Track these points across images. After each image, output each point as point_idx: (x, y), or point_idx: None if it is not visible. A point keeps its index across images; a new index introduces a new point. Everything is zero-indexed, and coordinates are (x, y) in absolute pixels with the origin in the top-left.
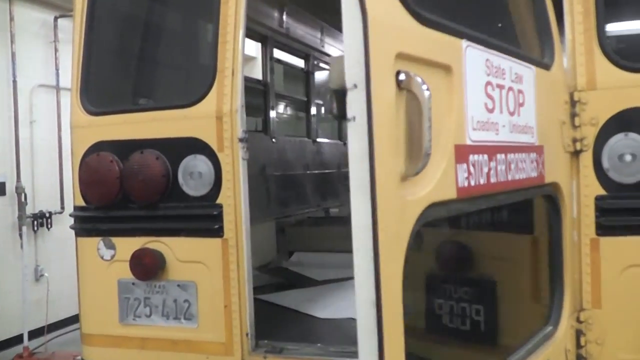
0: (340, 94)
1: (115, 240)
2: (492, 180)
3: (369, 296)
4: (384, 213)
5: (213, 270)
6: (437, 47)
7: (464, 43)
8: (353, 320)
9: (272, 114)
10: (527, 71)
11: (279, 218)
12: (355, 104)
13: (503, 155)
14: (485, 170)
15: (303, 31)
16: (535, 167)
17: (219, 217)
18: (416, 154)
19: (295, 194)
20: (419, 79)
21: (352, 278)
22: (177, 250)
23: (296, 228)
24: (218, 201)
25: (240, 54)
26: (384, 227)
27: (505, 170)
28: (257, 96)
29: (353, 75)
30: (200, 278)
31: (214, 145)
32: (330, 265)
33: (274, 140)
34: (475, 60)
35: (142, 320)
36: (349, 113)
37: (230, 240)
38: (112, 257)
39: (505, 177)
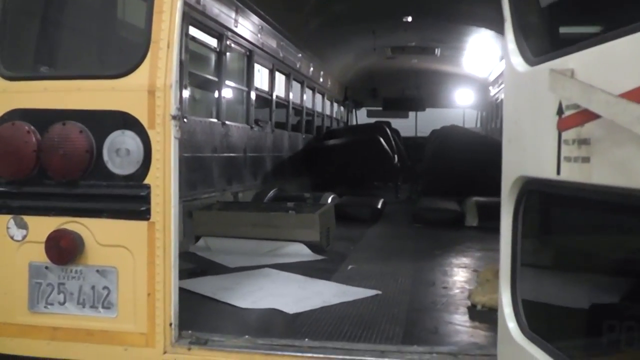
0: None
1: (28, 219)
2: None
3: None
4: None
5: (137, 255)
6: None
7: None
8: (275, 311)
9: (185, 93)
10: None
11: (187, 201)
12: None
13: None
14: None
15: (218, 10)
16: None
17: (146, 199)
18: None
19: (203, 176)
20: None
21: (264, 266)
22: (98, 232)
23: (204, 212)
24: (146, 181)
25: (178, 26)
26: None
27: None
28: None
29: None
30: (122, 264)
31: (144, 122)
32: (239, 251)
33: (185, 120)
34: None
35: (54, 308)
36: None
37: (158, 224)
38: (24, 237)
39: None
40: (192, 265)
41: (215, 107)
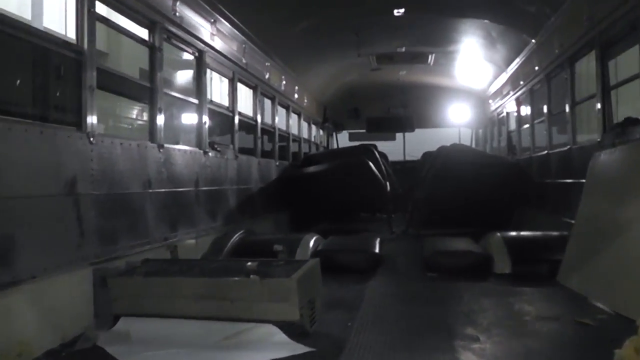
0: None
1: None
2: None
3: None
4: None
5: None
6: None
7: None
8: None
9: (91, 100)
10: None
11: (98, 262)
12: None
13: None
14: None
15: None
16: None
17: None
18: None
19: (127, 224)
20: None
21: None
22: None
23: (125, 278)
24: None
25: None
26: None
27: None
28: (66, 67)
29: None
30: None
31: None
32: (175, 342)
33: (92, 140)
34: None
35: None
36: None
37: None
38: None
39: None
40: None
41: (149, 125)
